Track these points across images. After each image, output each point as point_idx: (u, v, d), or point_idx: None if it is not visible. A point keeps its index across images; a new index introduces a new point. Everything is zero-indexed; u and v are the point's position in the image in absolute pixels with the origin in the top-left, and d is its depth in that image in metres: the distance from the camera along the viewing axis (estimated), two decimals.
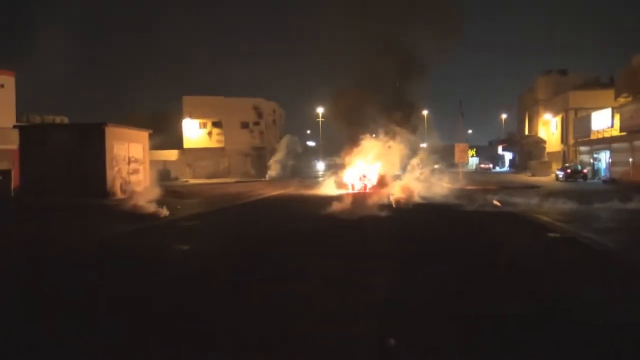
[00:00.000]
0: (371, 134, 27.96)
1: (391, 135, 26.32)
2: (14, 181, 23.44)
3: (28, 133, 23.49)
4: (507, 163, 75.27)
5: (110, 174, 22.79)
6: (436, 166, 39.20)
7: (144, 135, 26.60)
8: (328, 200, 18.96)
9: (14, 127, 24.35)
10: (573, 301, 6.22)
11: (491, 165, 72.81)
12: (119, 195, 23.01)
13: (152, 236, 12.28)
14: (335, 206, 16.63)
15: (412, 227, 13.48)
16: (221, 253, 9.77)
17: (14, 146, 23.45)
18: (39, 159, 22.46)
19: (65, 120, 41.02)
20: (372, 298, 6.38)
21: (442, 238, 11.58)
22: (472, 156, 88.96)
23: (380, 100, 30.98)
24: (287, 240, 11.21)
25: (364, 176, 29.02)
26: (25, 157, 22.85)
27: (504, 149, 76.87)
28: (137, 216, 15.44)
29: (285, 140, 50.04)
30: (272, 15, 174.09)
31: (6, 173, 22.24)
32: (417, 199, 20.13)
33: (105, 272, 8.19)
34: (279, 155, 48.73)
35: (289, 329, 5.26)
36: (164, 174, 43.52)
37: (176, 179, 44.60)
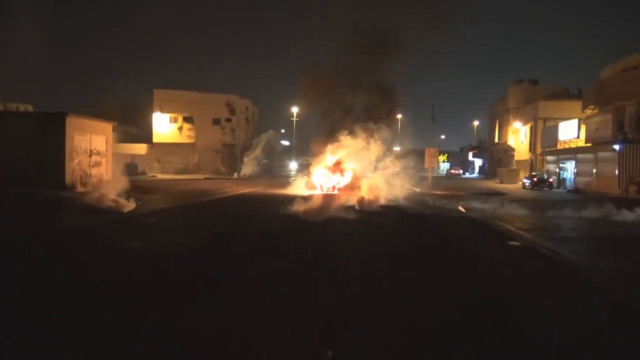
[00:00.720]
0: (345, 129, 27.15)
1: (367, 131, 25.39)
2: None
3: None
4: (477, 169, 76.14)
5: (69, 165, 22.04)
6: (408, 170, 39.23)
7: (107, 127, 25.82)
8: (293, 200, 18.61)
9: None
10: (512, 304, 6.06)
11: (461, 171, 73.54)
12: (79, 188, 22.26)
13: (101, 232, 11.76)
14: (298, 206, 16.30)
15: (371, 231, 13.22)
16: (167, 252, 9.33)
17: None
18: None
19: (30, 109, 39.71)
20: (311, 303, 6.07)
21: (401, 242, 11.37)
22: (444, 161, 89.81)
23: (355, 90, 30.58)
24: (236, 240, 10.86)
25: (333, 176, 28.82)
26: None
27: (474, 155, 77.77)
28: (92, 210, 14.85)
29: (266, 136, 48.93)
30: (248, 11, 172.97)
31: None
32: (383, 201, 19.98)
33: (38, 266, 7.70)
34: (257, 152, 47.85)
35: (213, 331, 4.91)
36: (130, 168, 42.45)
37: (143, 173, 43.65)
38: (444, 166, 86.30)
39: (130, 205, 15.82)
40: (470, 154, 79.82)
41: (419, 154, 43.24)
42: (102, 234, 11.44)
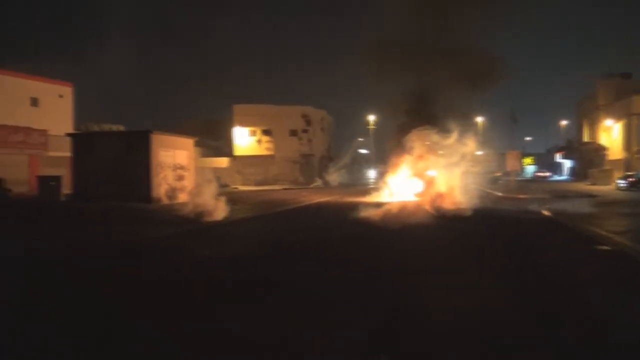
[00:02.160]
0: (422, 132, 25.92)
1: (447, 133, 23.93)
2: (68, 186, 24.32)
3: (78, 140, 24.28)
4: (565, 171, 71.89)
5: (155, 180, 23.16)
6: (490, 174, 37.45)
7: (189, 142, 26.94)
8: (368, 207, 18.39)
9: (66, 135, 25.25)
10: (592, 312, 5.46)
11: (548, 174, 69.72)
12: (164, 200, 23.37)
13: (180, 241, 12.17)
14: (373, 213, 16.08)
15: (447, 236, 12.69)
16: (238, 259, 9.45)
17: (69, 153, 24.38)
18: (88, 165, 23.17)
19: (121, 128, 42.58)
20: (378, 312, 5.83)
21: (479, 247, 10.81)
22: (529, 164, 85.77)
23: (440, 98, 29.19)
24: (305, 248, 10.80)
25: (411, 182, 28.11)
26: (76, 164, 23.64)
27: (562, 157, 73.54)
28: (175, 221, 15.48)
29: (355, 144, 49.49)
30: (324, 22, 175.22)
31: (57, 179, 23.06)
32: (462, 207, 19.18)
33: (109, 270, 8.04)
34: (345, 160, 48.38)
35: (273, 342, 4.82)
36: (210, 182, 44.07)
37: (226, 185, 45.11)
38: (530, 169, 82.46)
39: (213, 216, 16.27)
40: (558, 155, 75.62)
41: (502, 158, 41.61)
42: (178, 242, 11.84)
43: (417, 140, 24.43)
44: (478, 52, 27.79)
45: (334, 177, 48.79)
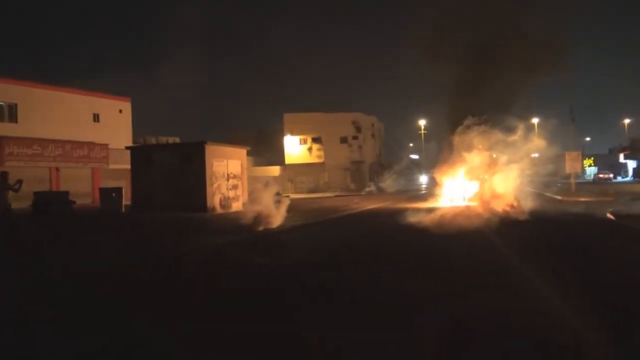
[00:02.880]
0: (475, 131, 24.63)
1: (503, 132, 22.38)
2: (127, 198, 25.31)
3: (137, 153, 25.24)
4: (630, 172, 68.37)
5: (210, 190, 23.70)
6: (548, 177, 35.89)
7: (241, 152, 27.44)
8: (420, 213, 18.14)
9: (126, 148, 26.28)
10: None
11: (611, 175, 66.48)
12: (219, 210, 23.91)
13: (237, 248, 12.37)
14: (425, 219, 15.83)
15: (500, 242, 12.26)
16: (289, 268, 9.48)
17: (129, 166, 25.39)
18: (146, 177, 24.05)
19: (177, 140, 43.90)
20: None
21: (533, 253, 10.37)
22: (590, 165, 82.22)
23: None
24: (356, 255, 10.72)
25: (465, 185, 27.48)
26: (135, 176, 24.56)
27: (626, 157, 70.09)
28: (229, 230, 15.80)
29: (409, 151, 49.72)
30: (372, 30, 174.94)
31: (118, 190, 24.01)
32: (518, 211, 18.56)
33: (164, 277, 8.23)
34: (402, 165, 48.59)
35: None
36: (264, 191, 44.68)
37: (278, 194, 45.73)
38: (591, 171, 79.02)
39: (263, 224, 16.49)
40: (622, 156, 72.06)
41: (559, 159, 40.01)
42: (229, 250, 12.04)
43: (476, 138, 23.53)
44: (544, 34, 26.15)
45: (388, 183, 48.63)
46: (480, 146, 23.39)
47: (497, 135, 22.10)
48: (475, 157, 24.00)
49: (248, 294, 7.35)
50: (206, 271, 9.53)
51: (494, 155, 23.60)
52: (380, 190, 47.27)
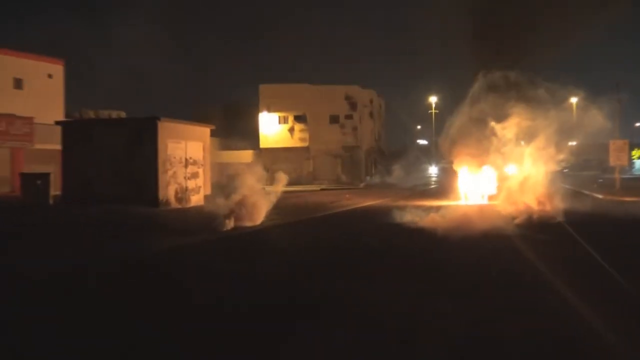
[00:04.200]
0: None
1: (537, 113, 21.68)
2: (59, 186, 24.99)
3: (71, 130, 24.94)
4: None
5: (163, 178, 23.46)
6: (587, 170, 36.14)
7: (204, 131, 27.28)
8: (427, 213, 18.18)
9: (56, 123, 25.94)
10: None
11: None
12: (174, 204, 23.74)
13: (191, 256, 12.32)
14: (433, 222, 15.92)
15: (520, 253, 12.27)
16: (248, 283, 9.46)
17: (59, 146, 25.09)
18: (82, 160, 23.75)
19: (123, 115, 43.49)
20: None
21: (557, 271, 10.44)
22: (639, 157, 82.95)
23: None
24: (336, 266, 10.73)
25: (483, 180, 27.58)
26: (67, 159, 24.27)
27: None
28: (185, 230, 15.78)
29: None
30: None
31: (45, 176, 23.68)
32: (549, 213, 18.65)
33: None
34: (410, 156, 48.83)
35: None
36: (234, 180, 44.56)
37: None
38: None
39: (229, 224, 16.42)
40: None
41: (602, 149, 40.36)
42: (187, 257, 11.99)
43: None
44: None
45: (388, 174, 48.83)
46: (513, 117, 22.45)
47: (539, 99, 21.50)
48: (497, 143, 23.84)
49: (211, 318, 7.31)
50: (156, 285, 9.46)
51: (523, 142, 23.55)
52: (379, 183, 47.39)
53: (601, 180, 42.95)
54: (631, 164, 71.25)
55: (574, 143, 27.86)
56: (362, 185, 48.15)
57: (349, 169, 54.35)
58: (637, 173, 72.51)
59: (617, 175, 35.60)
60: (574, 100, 27.62)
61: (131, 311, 7.41)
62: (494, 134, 23.16)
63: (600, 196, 28.64)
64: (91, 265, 10.91)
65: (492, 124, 22.84)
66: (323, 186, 46.99)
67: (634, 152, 76.71)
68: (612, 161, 35.26)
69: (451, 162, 29.89)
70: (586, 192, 31.44)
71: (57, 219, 19.32)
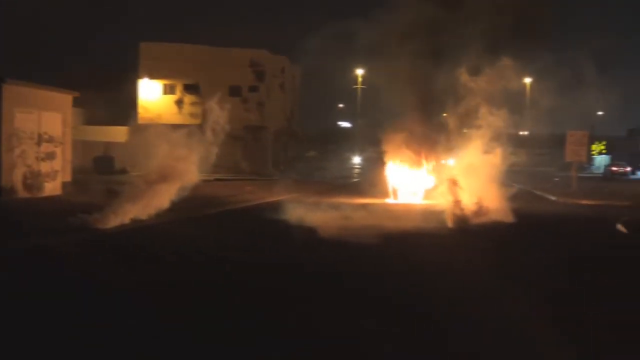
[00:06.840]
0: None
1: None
2: None
3: None
4: None
5: (7, 158, 22.82)
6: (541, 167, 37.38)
7: (65, 99, 26.65)
8: (346, 212, 18.52)
9: None
10: None
11: (629, 169, 70.93)
12: (21, 192, 23.10)
13: (36, 264, 12.00)
14: (351, 222, 16.28)
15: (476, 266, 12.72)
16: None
17: None
18: None
19: None
20: None
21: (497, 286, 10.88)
22: (601, 152, 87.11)
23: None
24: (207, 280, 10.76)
25: (416, 175, 28.34)
26: None
27: None
28: (35, 229, 15.28)
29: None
30: None
31: None
32: (493, 216, 19.44)
33: None
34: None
35: None
36: (103, 163, 43.74)
37: (123, 171, 44.32)
38: (602, 160, 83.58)
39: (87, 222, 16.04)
40: None
41: (558, 141, 42.05)
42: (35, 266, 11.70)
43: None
44: None
45: (303, 163, 49.17)
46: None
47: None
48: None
49: None
50: None
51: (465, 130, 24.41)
52: (291, 174, 47.43)
53: (557, 179, 44.87)
54: (590, 160, 74.53)
55: (526, 133, 29.17)
56: (268, 176, 48.20)
57: (252, 155, 54.13)
58: (596, 172, 75.72)
59: (574, 174, 37.13)
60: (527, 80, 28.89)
61: None
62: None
63: (553, 198, 29.95)
64: None
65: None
66: (219, 175, 46.59)
67: (593, 147, 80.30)
68: (569, 156, 36.75)
69: (380, 152, 30.52)
70: (538, 192, 32.81)
71: None
